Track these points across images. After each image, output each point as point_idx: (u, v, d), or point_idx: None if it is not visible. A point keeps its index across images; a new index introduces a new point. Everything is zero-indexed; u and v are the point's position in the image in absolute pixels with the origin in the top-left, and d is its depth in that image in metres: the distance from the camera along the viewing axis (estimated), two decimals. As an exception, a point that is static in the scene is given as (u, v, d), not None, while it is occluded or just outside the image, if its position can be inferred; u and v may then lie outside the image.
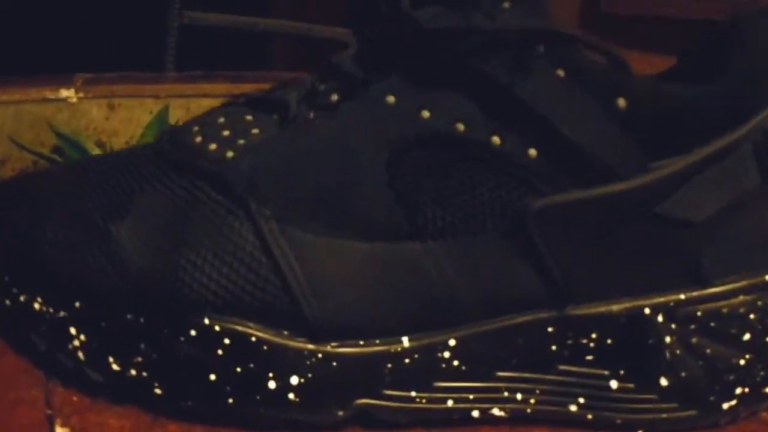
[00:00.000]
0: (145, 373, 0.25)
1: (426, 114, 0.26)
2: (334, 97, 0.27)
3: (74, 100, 0.49)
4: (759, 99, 0.28)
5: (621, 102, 0.25)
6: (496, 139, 0.25)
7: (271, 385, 0.26)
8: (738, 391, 0.28)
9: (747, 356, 0.28)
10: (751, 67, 0.27)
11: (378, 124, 0.26)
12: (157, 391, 0.25)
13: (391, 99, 0.26)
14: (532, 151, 0.25)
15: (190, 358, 0.26)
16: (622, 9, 0.48)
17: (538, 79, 0.25)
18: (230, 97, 0.29)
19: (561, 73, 0.25)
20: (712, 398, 0.28)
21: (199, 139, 0.28)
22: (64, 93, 0.49)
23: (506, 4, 0.27)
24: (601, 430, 0.27)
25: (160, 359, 0.25)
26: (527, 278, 0.25)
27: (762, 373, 0.29)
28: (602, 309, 0.26)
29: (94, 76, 0.52)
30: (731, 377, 0.28)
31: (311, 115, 0.28)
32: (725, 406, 0.28)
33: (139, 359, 0.25)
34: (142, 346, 0.26)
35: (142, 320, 0.25)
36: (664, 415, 0.28)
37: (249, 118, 0.28)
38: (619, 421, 0.27)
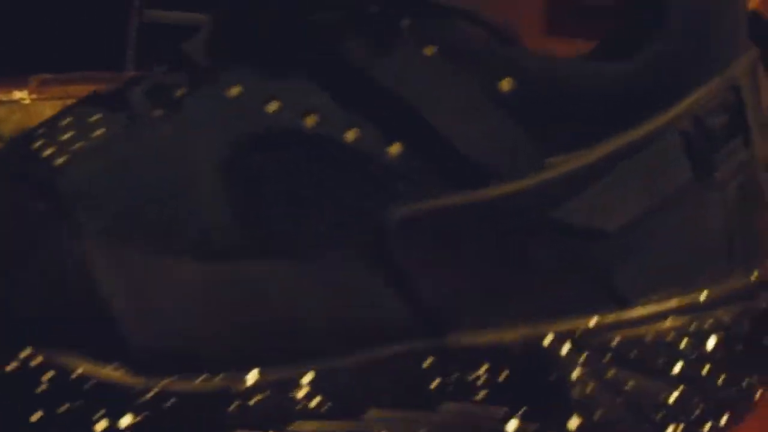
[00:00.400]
0: None
1: (273, 107, 0.19)
2: (180, 92, 0.24)
3: (28, 101, 0.47)
4: (686, 79, 0.20)
5: (505, 84, 0.19)
6: (351, 134, 0.19)
7: (101, 426, 0.22)
8: (669, 430, 0.21)
9: (679, 390, 0.23)
10: (674, 46, 0.20)
11: (218, 121, 0.20)
12: None
13: (235, 91, 0.20)
14: (395, 148, 0.19)
15: (11, 394, 0.23)
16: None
17: (400, 58, 0.19)
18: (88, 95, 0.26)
19: (430, 51, 0.19)
20: (636, 440, 0.24)
21: (39, 143, 0.25)
22: (17, 95, 0.47)
23: (370, -26, 0.23)
24: None
25: None
26: (393, 302, 0.19)
27: (699, 408, 0.21)
28: (491, 338, 0.20)
29: (50, 77, 0.50)
30: (660, 415, 0.21)
31: (157, 112, 0.24)
32: (654, 448, 0.24)
33: None
34: None
35: None
36: (577, 461, 0.24)
37: (96, 118, 0.25)
38: None
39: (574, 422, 0.20)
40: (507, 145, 0.19)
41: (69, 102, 0.48)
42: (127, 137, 0.21)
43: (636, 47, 0.20)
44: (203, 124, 0.20)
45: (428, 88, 0.19)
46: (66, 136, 0.22)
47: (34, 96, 0.44)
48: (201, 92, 0.20)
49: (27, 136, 0.23)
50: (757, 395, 0.23)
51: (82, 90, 0.48)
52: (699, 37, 0.20)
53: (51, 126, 0.23)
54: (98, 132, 0.21)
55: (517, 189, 0.19)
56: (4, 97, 0.44)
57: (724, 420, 0.22)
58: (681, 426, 0.21)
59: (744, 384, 0.22)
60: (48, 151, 0.21)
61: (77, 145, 0.21)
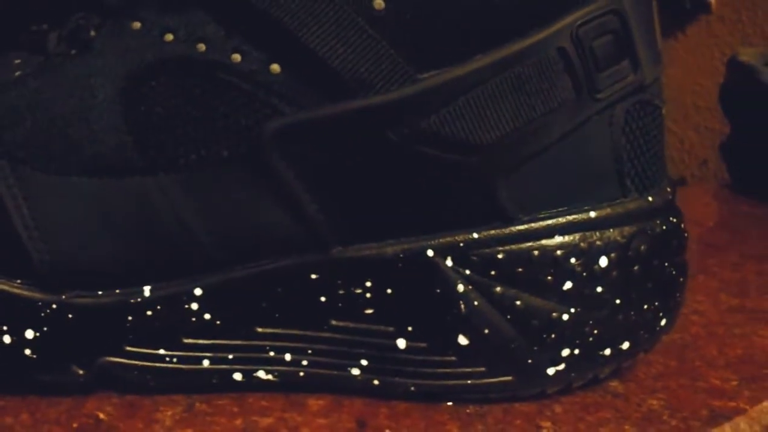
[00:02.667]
0: None
1: (169, 37, 0.21)
2: (93, 33, 0.25)
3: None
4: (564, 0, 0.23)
5: (378, 3, 0.19)
6: (236, 57, 0.20)
7: (6, 339, 0.21)
8: (565, 353, 0.21)
9: (572, 310, 0.21)
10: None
11: (119, 53, 0.21)
12: None
13: (136, 25, 0.21)
14: (275, 67, 0.20)
15: None
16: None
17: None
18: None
19: (307, -25, 0.20)
20: (530, 361, 0.21)
21: None
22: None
23: None
24: (393, 398, 0.21)
25: None
26: (277, 215, 0.20)
27: (596, 331, 0.21)
28: (373, 251, 0.20)
29: None
30: (553, 336, 0.21)
31: (72, 52, 0.26)
32: (550, 371, 0.21)
33: None
34: None
35: None
36: (469, 382, 0.21)
37: (17, 61, 0.26)
38: (413, 388, 0.21)
39: (463, 339, 0.20)
40: (379, 62, 0.20)
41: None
42: (40, 74, 0.22)
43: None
44: (106, 57, 0.22)
45: (303, 10, 0.20)
46: (-11, 76, 0.23)
47: None
48: (106, 30, 0.22)
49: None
50: (662, 322, 0.22)
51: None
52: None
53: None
54: (17, 72, 0.23)
55: (385, 100, 0.19)
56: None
57: (625, 345, 0.22)
58: (577, 350, 0.21)
59: (645, 308, 0.22)
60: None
61: (-2, 82, 0.23)
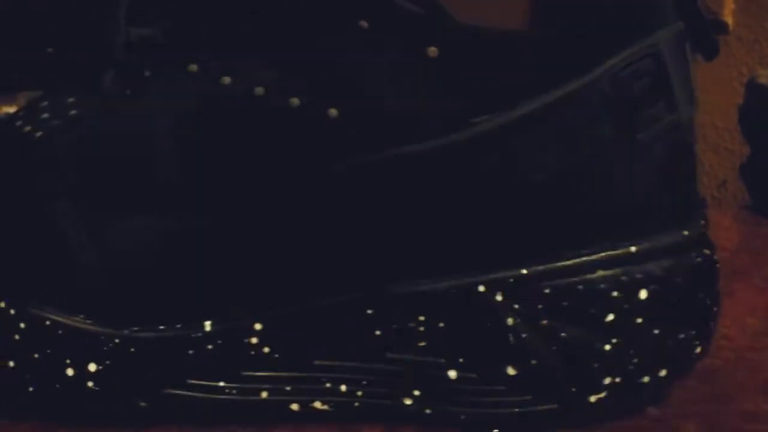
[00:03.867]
0: None
1: (227, 80, 0.22)
2: (147, 73, 0.27)
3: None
4: (605, 44, 0.22)
5: (432, 51, 0.21)
6: (295, 101, 0.21)
7: (69, 372, 0.22)
8: (607, 381, 0.23)
9: (613, 340, 0.23)
10: (594, 12, 0.22)
11: (177, 95, 0.23)
12: None
13: (194, 68, 0.23)
14: (333, 111, 0.21)
15: None
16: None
17: (337, 31, 0.21)
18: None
19: (364, 23, 0.21)
20: (573, 389, 0.22)
21: (19, 122, 0.28)
22: (5, 109, 0.51)
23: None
24: (444, 426, 0.23)
25: None
26: (334, 253, 0.22)
27: (636, 360, 0.23)
28: (426, 287, 0.22)
29: (38, 94, 0.53)
30: (596, 365, 0.22)
31: (127, 92, 0.27)
32: (593, 398, 0.23)
33: None
34: None
35: None
36: (517, 410, 0.22)
37: (71, 100, 0.28)
38: (463, 416, 0.23)
39: (511, 370, 0.22)
40: (434, 107, 0.21)
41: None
42: (98, 114, 0.24)
43: (558, 15, 0.22)
44: (164, 98, 0.23)
45: (361, 57, 0.21)
46: (44, 116, 0.25)
47: (22, 112, 0.47)
48: (163, 72, 0.23)
49: (11, 118, 0.26)
50: (698, 350, 0.24)
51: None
52: (618, 9, 0.22)
53: (30, 107, 0.25)
54: (72, 112, 0.24)
55: (442, 144, 0.21)
56: (-7, 113, 0.48)
57: (663, 373, 0.23)
58: (619, 378, 0.23)
59: (682, 337, 0.23)
60: (27, 128, 0.24)
61: (54, 123, 0.24)
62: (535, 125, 0.22)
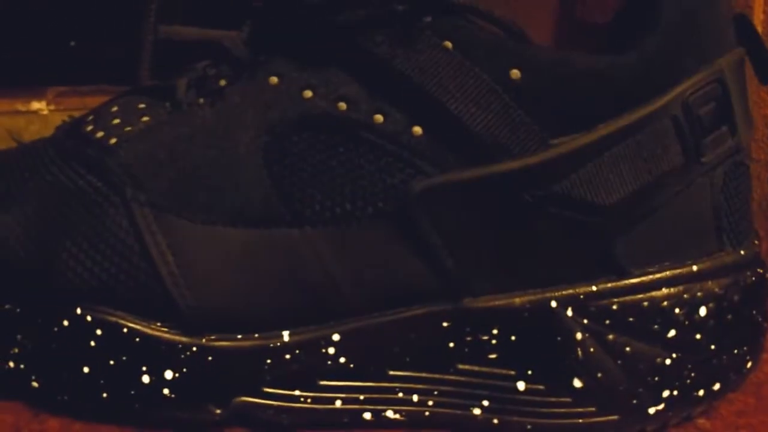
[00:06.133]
0: (22, 366, 0.24)
1: (308, 94, 0.24)
2: (222, 82, 0.28)
3: (45, 112, 0.51)
4: (676, 70, 0.24)
5: (515, 73, 0.23)
6: (378, 117, 0.23)
7: (145, 379, 0.23)
8: (665, 394, 0.25)
9: (673, 355, 0.25)
10: (666, 40, 0.24)
11: (259, 106, 0.24)
12: (35, 384, 0.24)
13: (274, 80, 0.24)
14: (417, 129, 0.23)
15: (63, 350, 0.24)
16: (598, 17, 0.47)
17: (422, 51, 0.23)
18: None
19: (449, 44, 0.23)
20: (635, 402, 0.24)
21: (90, 128, 0.28)
22: (36, 105, 0.51)
23: (395, -23, 0.27)
24: None
25: (35, 351, 0.24)
26: (416, 267, 0.23)
27: (693, 374, 0.25)
28: (502, 302, 0.24)
29: (67, 89, 0.54)
30: (656, 378, 0.24)
31: (201, 100, 0.28)
32: (651, 410, 0.25)
33: (17, 351, 0.24)
34: (19, 337, 0.24)
35: (18, 310, 0.24)
36: (581, 420, 0.24)
37: (142, 106, 0.28)
38: (529, 427, 0.24)
39: (578, 382, 0.24)
40: (516, 127, 0.23)
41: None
42: (172, 122, 0.25)
43: (633, 42, 0.24)
44: (245, 109, 0.24)
45: (446, 77, 0.23)
46: (115, 121, 0.26)
47: (51, 107, 0.48)
48: (242, 82, 0.24)
49: (77, 121, 0.27)
50: (748, 365, 0.26)
51: (98, 102, 0.53)
52: (687, 35, 0.24)
53: (99, 113, 0.27)
54: (144, 118, 0.25)
55: (524, 165, 0.23)
56: (22, 107, 0.48)
57: (717, 387, 0.26)
58: (676, 391, 0.25)
59: (735, 353, 0.25)
60: (99, 134, 0.25)
61: (126, 129, 0.25)
62: (611, 147, 0.23)
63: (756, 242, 0.27)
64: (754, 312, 0.26)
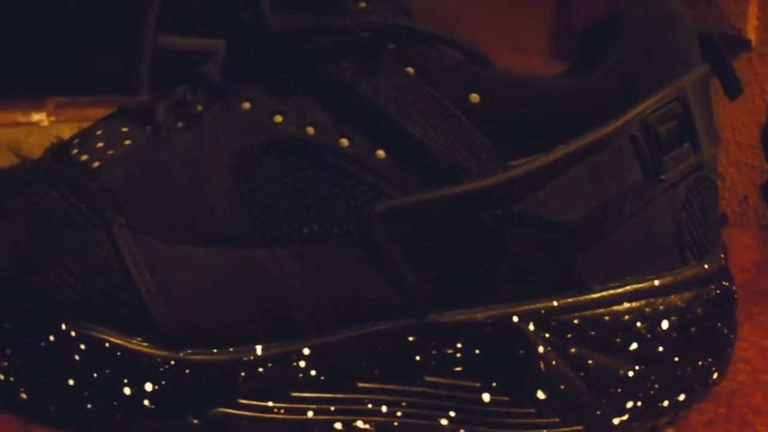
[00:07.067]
0: (12, 378, 0.26)
1: (278, 119, 0.25)
2: (200, 107, 0.29)
3: (46, 123, 0.53)
4: (634, 91, 0.25)
5: (474, 97, 0.24)
6: (344, 141, 0.24)
7: (126, 391, 0.25)
8: (629, 405, 0.26)
9: (636, 367, 0.27)
10: (625, 58, 0.25)
11: (231, 131, 0.25)
12: (23, 396, 0.26)
13: (246, 105, 0.25)
14: (380, 153, 0.24)
15: (50, 364, 0.26)
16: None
17: (385, 78, 0.24)
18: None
19: (410, 70, 0.24)
20: (599, 413, 0.25)
21: (75, 151, 0.30)
22: (36, 116, 0.53)
23: (362, 4, 0.28)
24: None
25: (24, 365, 0.25)
26: (380, 285, 0.25)
27: (657, 386, 0.26)
28: (465, 317, 0.25)
29: (66, 100, 0.56)
30: (619, 390, 0.26)
31: (180, 125, 0.30)
32: (616, 421, 0.26)
33: (6, 364, 0.25)
34: (8, 351, 0.26)
35: (7, 326, 0.26)
36: (545, 431, 0.26)
37: (125, 129, 0.30)
38: None
39: (541, 394, 0.25)
40: (475, 150, 0.24)
41: (85, 124, 0.56)
42: (151, 146, 0.27)
43: (594, 63, 0.25)
44: (218, 133, 0.26)
45: (407, 102, 0.24)
46: (99, 145, 0.27)
47: (52, 118, 0.50)
48: (216, 107, 0.26)
49: (64, 144, 0.29)
50: (714, 376, 0.27)
51: (98, 113, 0.55)
52: (647, 55, 0.26)
53: (85, 136, 0.28)
54: (126, 141, 0.27)
55: (481, 186, 0.24)
56: (22, 119, 0.50)
57: (681, 398, 0.27)
58: (640, 402, 0.26)
59: (700, 364, 0.26)
60: (84, 157, 0.27)
61: (108, 153, 0.27)
62: (569, 167, 0.25)
63: (722, 256, 0.28)
64: (719, 324, 0.27)
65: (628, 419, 0.26)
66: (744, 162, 0.46)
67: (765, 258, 0.43)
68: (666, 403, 0.27)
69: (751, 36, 0.45)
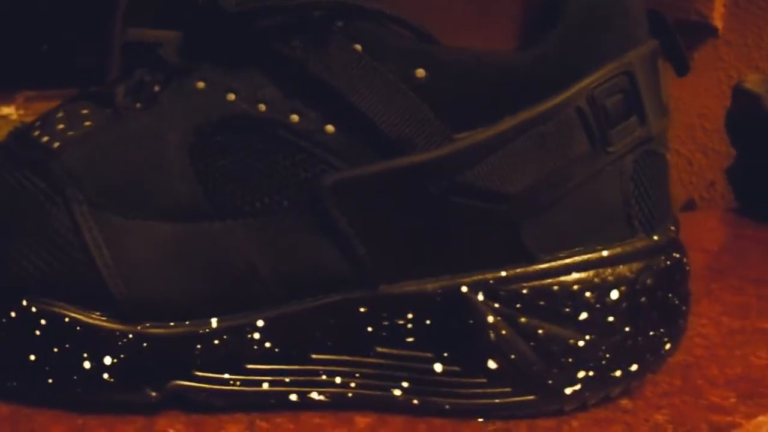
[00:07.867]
0: None
1: (231, 97, 0.26)
2: (156, 88, 0.30)
3: (15, 117, 0.54)
4: (581, 66, 0.26)
5: (420, 72, 0.25)
6: (294, 117, 0.25)
7: (86, 365, 0.26)
8: (581, 374, 0.27)
9: (587, 337, 0.28)
10: (572, 34, 0.26)
11: (187, 109, 0.26)
12: None
13: (201, 85, 0.26)
14: (330, 127, 0.25)
15: (11, 340, 0.26)
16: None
17: (334, 54, 0.25)
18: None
19: (358, 47, 0.25)
20: (550, 382, 0.26)
21: (37, 132, 0.31)
22: (5, 110, 0.54)
23: (313, -16, 0.29)
24: (430, 415, 0.27)
25: None
26: (331, 256, 0.25)
27: (608, 355, 0.27)
28: (414, 288, 0.26)
29: (36, 94, 0.57)
30: (570, 360, 0.26)
31: (138, 105, 0.30)
32: (568, 390, 0.27)
33: None
34: None
35: None
36: (497, 400, 0.26)
37: (85, 111, 0.31)
38: (447, 407, 0.27)
39: (492, 364, 0.26)
40: (421, 123, 0.25)
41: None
42: (111, 126, 0.27)
43: (538, 36, 0.26)
44: (174, 112, 0.27)
45: (355, 77, 0.25)
46: (60, 126, 0.28)
47: (21, 112, 0.51)
48: (173, 87, 0.27)
49: (27, 127, 0.30)
50: (667, 347, 0.28)
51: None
52: (593, 29, 0.26)
53: (46, 119, 0.29)
54: (87, 123, 0.28)
55: (427, 158, 0.25)
56: (-9, 113, 0.51)
57: (634, 368, 0.27)
58: (592, 372, 0.27)
59: (651, 334, 0.27)
60: (45, 138, 0.28)
61: (69, 134, 0.28)
62: (514, 139, 0.26)
63: (672, 228, 0.29)
64: (670, 295, 0.28)
65: (580, 389, 0.27)
66: (711, 147, 0.47)
67: (727, 239, 0.44)
68: (618, 373, 0.28)
69: (718, 23, 0.46)
